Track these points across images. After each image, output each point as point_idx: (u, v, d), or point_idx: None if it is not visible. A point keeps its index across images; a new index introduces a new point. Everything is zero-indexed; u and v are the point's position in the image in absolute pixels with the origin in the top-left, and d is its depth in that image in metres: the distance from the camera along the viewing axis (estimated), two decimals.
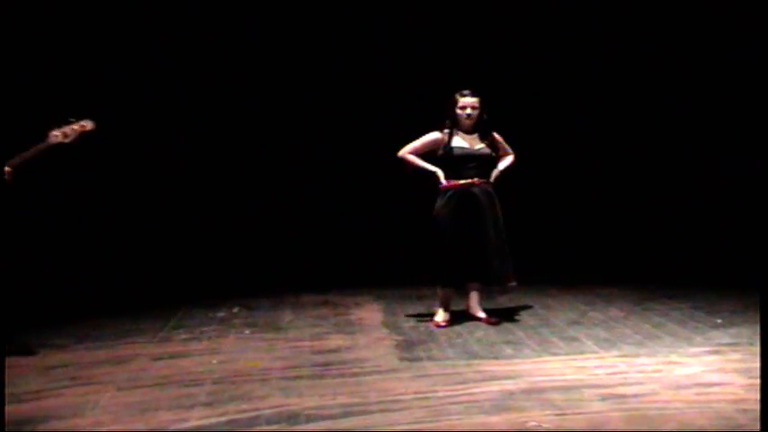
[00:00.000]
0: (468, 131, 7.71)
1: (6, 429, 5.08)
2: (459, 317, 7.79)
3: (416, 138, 7.82)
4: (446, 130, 7.70)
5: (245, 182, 11.43)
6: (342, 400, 5.52)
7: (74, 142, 6.86)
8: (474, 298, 7.89)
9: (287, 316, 8.44)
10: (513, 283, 7.79)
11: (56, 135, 6.79)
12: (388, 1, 11.19)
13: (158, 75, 10.89)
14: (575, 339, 7.04)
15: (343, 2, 11.15)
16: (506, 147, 7.86)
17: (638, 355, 6.45)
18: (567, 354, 6.58)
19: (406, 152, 7.80)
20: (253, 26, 11.14)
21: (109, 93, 10.23)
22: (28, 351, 6.90)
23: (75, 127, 6.85)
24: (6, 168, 6.65)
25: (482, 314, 7.80)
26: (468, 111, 7.65)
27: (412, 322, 7.91)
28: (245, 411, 5.33)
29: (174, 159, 11.02)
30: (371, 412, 5.25)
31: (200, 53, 11.10)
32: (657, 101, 11.32)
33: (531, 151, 10.61)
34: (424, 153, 7.79)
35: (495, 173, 7.73)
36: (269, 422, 5.10)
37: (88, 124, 6.91)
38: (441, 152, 7.69)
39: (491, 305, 8.25)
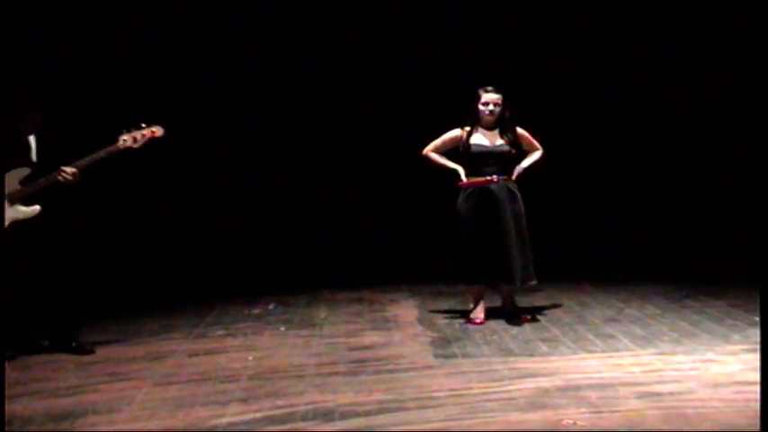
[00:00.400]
0: (489, 128, 7.68)
1: (44, 424, 5.13)
2: (495, 314, 7.75)
3: (439, 135, 7.84)
4: (467, 128, 7.69)
5: (281, 180, 11.46)
6: (377, 396, 5.51)
7: (141, 147, 6.87)
8: (509, 295, 7.84)
9: (322, 312, 8.46)
10: (534, 282, 7.75)
11: (125, 140, 6.79)
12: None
13: (188, 76, 10.94)
14: (611, 337, 7.00)
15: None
16: (533, 142, 7.83)
17: (674, 353, 6.40)
18: (602, 351, 6.54)
19: (429, 150, 7.83)
20: (266, 25, 11.18)
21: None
22: (85, 350, 6.92)
23: (146, 132, 6.85)
24: (72, 169, 6.69)
25: (516, 313, 7.75)
26: (491, 107, 7.62)
27: (447, 319, 7.90)
28: (280, 407, 5.33)
29: (209, 159, 11.06)
30: (406, 409, 5.23)
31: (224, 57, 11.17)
32: (690, 94, 11.21)
33: (567, 148, 10.65)
34: (447, 150, 7.80)
35: (517, 170, 7.69)
36: (304, 418, 5.10)
37: (158, 130, 6.92)
38: (460, 149, 7.70)
39: (527, 303, 8.25)
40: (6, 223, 6.65)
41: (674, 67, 11.28)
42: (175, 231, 11.03)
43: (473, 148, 7.63)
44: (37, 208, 6.70)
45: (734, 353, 6.32)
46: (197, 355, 6.87)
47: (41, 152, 6.84)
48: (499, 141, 7.64)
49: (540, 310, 8.11)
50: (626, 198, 11.41)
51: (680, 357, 6.28)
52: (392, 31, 11.29)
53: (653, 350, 6.52)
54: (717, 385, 5.50)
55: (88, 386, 6.01)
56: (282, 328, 7.78)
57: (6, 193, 6.65)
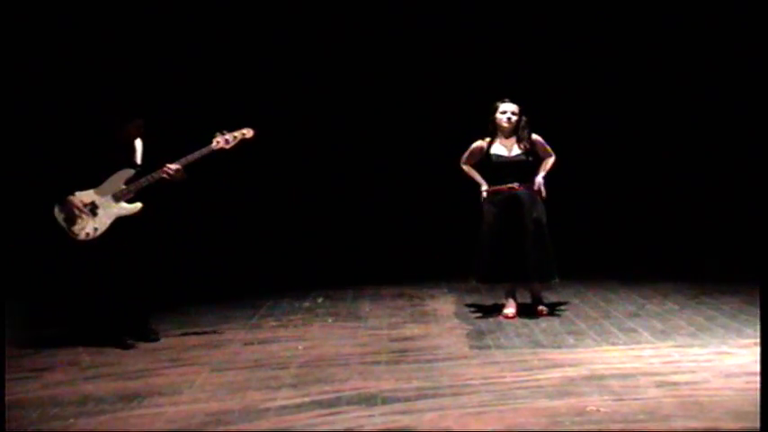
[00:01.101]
0: (507, 136, 7.67)
1: (114, 403, 5.22)
2: (526, 309, 7.75)
3: (471, 138, 7.85)
4: (487, 138, 7.70)
5: (330, 182, 11.51)
6: (416, 383, 5.55)
7: (233, 149, 6.87)
8: (535, 293, 7.83)
9: (367, 306, 8.49)
10: (555, 280, 7.74)
11: (218, 141, 6.80)
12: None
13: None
14: (632, 330, 6.99)
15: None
16: (547, 149, 7.77)
17: (691, 346, 6.39)
18: (625, 344, 6.54)
19: (464, 162, 7.83)
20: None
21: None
22: (154, 337, 7.01)
23: (237, 134, 6.84)
24: (177, 165, 6.73)
25: (540, 306, 7.74)
26: (509, 114, 7.61)
27: (481, 313, 7.91)
28: (327, 393, 5.38)
29: (263, 161, 11.10)
30: (443, 395, 5.27)
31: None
32: (713, 93, 11.10)
33: (593, 149, 10.62)
34: (475, 160, 7.80)
35: (537, 183, 7.63)
36: (349, 403, 5.15)
37: (249, 132, 6.91)
38: (482, 159, 7.74)
39: (556, 298, 8.26)
40: (112, 219, 6.70)
41: (697, 66, 11.16)
42: (233, 230, 11.10)
43: (493, 159, 7.65)
44: (139, 205, 6.75)
45: (746, 346, 6.29)
46: (251, 343, 6.93)
47: (145, 155, 6.89)
48: (516, 151, 7.64)
49: (567, 304, 8.10)
50: (650, 200, 11.35)
51: (696, 350, 6.28)
52: (422, 33, 11.31)
53: (671, 343, 6.52)
54: (730, 375, 5.50)
55: (153, 370, 6.10)
56: (330, 320, 7.83)
57: (113, 192, 6.71)
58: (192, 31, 10.78)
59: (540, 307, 7.71)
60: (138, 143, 6.90)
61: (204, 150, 6.78)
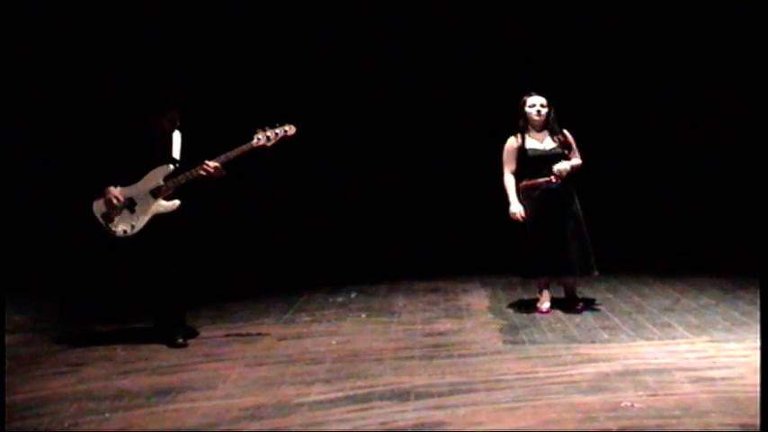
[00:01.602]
0: (539, 130, 7.60)
1: (149, 398, 5.25)
2: (559, 304, 7.73)
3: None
4: (519, 134, 7.60)
5: (366, 177, 11.52)
6: (449, 378, 5.54)
7: (274, 146, 6.73)
8: (570, 287, 7.78)
9: (400, 301, 8.49)
10: (596, 273, 7.68)
11: (259, 138, 6.66)
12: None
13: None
14: (667, 325, 6.94)
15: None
16: (576, 150, 7.66)
17: (727, 341, 6.34)
18: (659, 339, 6.49)
19: (506, 176, 7.62)
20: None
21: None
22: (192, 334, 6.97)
23: (278, 131, 6.69)
24: (215, 163, 6.60)
25: (574, 301, 7.69)
26: (538, 108, 7.54)
27: (515, 308, 7.89)
28: (360, 388, 5.39)
29: (299, 156, 11.12)
30: (477, 390, 5.26)
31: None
32: (742, 86, 11.01)
33: (629, 146, 10.57)
34: (517, 160, 7.60)
35: (559, 168, 7.44)
36: (382, 398, 5.15)
37: (291, 129, 6.76)
38: (518, 156, 7.60)
39: (591, 293, 8.23)
40: (149, 216, 6.64)
41: (720, 59, 11.08)
42: (267, 225, 11.14)
43: (529, 153, 7.53)
44: (177, 202, 6.67)
45: None
46: (285, 338, 6.95)
47: (184, 150, 6.79)
48: (550, 144, 7.56)
49: (601, 299, 8.07)
50: (686, 192, 11.28)
51: (732, 345, 6.22)
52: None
53: (707, 338, 6.46)
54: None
55: (187, 365, 6.13)
56: (363, 315, 7.84)
57: (151, 188, 6.65)
58: (226, 27, 10.84)
59: (578, 304, 7.66)
60: (177, 137, 6.81)
61: (244, 147, 6.65)
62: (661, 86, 11.29)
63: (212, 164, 6.60)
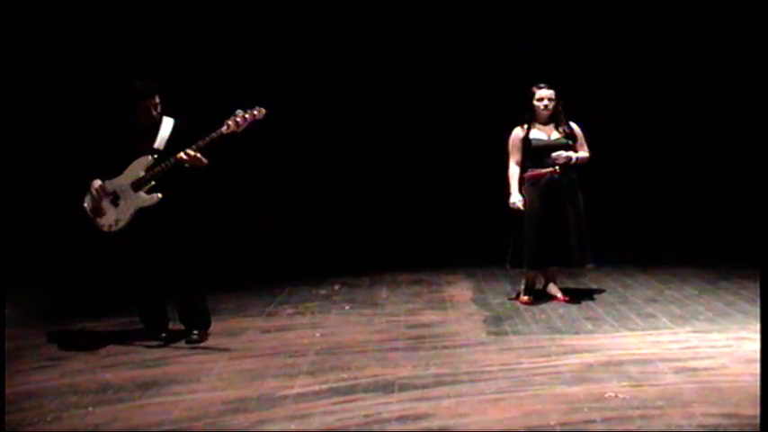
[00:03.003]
0: (544, 123, 7.58)
1: (133, 391, 5.25)
2: (543, 294, 7.75)
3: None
4: (525, 125, 7.59)
5: (348, 169, 11.51)
6: (434, 370, 5.56)
7: (244, 131, 6.49)
8: (552, 278, 7.84)
9: (384, 293, 8.50)
10: (591, 265, 7.70)
11: (229, 124, 6.44)
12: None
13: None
14: (651, 316, 6.98)
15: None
16: (584, 143, 7.66)
17: (710, 331, 6.39)
18: (643, 329, 6.54)
19: (511, 167, 7.60)
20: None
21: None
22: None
23: (247, 116, 6.46)
24: (191, 151, 6.40)
25: (559, 294, 7.73)
26: (545, 101, 7.52)
27: (499, 299, 7.90)
28: (344, 380, 5.41)
29: (280, 148, 11.11)
30: (461, 382, 5.28)
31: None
32: (729, 77, 11.04)
33: (613, 137, 10.56)
34: (522, 151, 7.58)
35: (559, 154, 7.40)
36: (366, 390, 5.17)
37: (259, 112, 6.52)
38: (523, 147, 7.59)
39: (573, 284, 8.25)
40: (132, 210, 6.51)
41: (714, 54, 11.11)
42: (250, 218, 11.11)
43: (533, 143, 7.51)
44: (158, 196, 6.49)
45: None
46: (269, 331, 6.95)
47: (172, 141, 6.56)
48: (555, 135, 7.55)
49: (586, 291, 8.10)
50: (669, 185, 11.32)
51: (715, 335, 6.27)
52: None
53: (690, 328, 6.51)
54: (749, 361, 5.48)
55: (171, 358, 6.13)
56: (347, 307, 7.83)
57: (131, 180, 6.50)
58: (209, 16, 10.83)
59: (560, 295, 7.70)
60: (167, 127, 6.63)
61: (213, 135, 6.45)
62: (647, 81, 11.30)
63: (188, 152, 6.40)
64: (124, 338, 6.76)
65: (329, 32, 11.24)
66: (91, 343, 6.68)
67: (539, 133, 7.58)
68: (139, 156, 6.54)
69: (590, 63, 11.14)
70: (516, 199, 7.49)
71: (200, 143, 6.44)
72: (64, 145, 9.70)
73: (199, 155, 6.44)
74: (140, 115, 6.56)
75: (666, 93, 11.35)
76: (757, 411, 4.47)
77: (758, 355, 5.51)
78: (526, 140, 7.56)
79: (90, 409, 5.02)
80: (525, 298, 7.66)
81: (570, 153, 7.48)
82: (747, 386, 4.96)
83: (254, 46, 11.01)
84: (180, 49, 10.51)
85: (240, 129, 6.46)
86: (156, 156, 6.54)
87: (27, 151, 10.09)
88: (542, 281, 7.89)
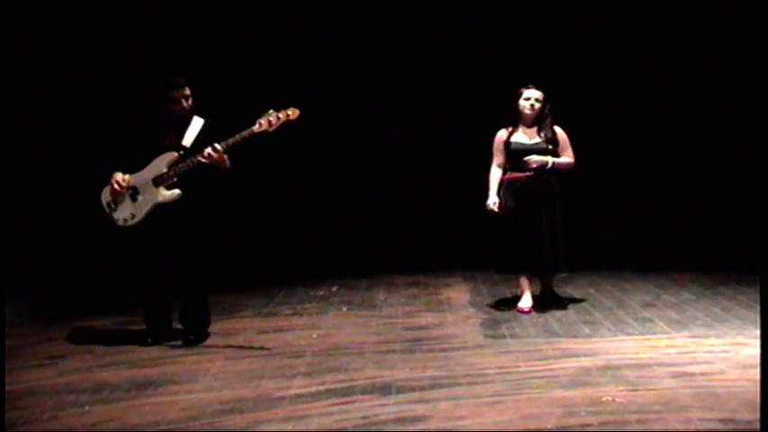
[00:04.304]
0: (529, 125, 7.45)
1: (129, 390, 5.25)
2: (539, 300, 7.73)
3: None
4: (510, 128, 7.48)
5: (346, 170, 11.50)
6: (430, 372, 5.56)
7: (276, 131, 6.42)
8: (544, 286, 7.72)
9: (381, 295, 8.50)
10: (564, 274, 7.66)
11: (261, 123, 6.36)
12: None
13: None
14: (648, 320, 6.98)
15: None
16: (568, 149, 7.49)
17: (707, 336, 6.38)
18: (640, 334, 6.53)
19: (495, 164, 7.53)
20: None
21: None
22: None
23: (281, 115, 6.39)
24: (211, 150, 6.31)
25: (553, 300, 7.63)
26: (532, 101, 7.38)
27: (497, 302, 7.89)
28: (341, 381, 5.40)
29: (281, 149, 11.08)
30: (458, 385, 5.28)
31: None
32: (728, 85, 11.02)
33: (604, 137, 10.56)
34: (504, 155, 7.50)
35: (534, 158, 7.26)
36: (363, 392, 5.17)
37: (293, 113, 6.45)
38: (504, 147, 7.48)
39: (571, 288, 8.24)
40: (150, 206, 6.45)
41: (710, 56, 11.10)
42: (245, 218, 11.10)
43: (513, 146, 7.39)
44: (177, 192, 6.43)
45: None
46: (266, 332, 6.95)
47: (200, 138, 6.51)
48: (536, 139, 7.40)
49: (582, 294, 8.09)
50: (667, 189, 11.30)
51: (712, 340, 6.27)
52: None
53: (687, 333, 6.51)
54: (746, 367, 5.48)
55: (168, 358, 6.13)
56: (344, 309, 7.84)
57: (153, 175, 6.44)
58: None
59: (558, 302, 7.63)
60: (197, 124, 6.57)
61: (245, 133, 6.37)
62: (644, 85, 11.29)
63: (211, 150, 6.32)
64: (121, 338, 6.77)
65: (327, 32, 11.22)
66: (88, 342, 6.69)
67: (521, 136, 7.45)
68: (165, 151, 6.50)
69: (586, 67, 11.13)
70: (491, 201, 7.43)
71: (230, 141, 6.35)
72: (74, 141, 9.72)
73: (217, 152, 6.34)
74: (171, 109, 6.49)
75: (664, 96, 11.31)
76: (754, 416, 4.48)
77: (756, 361, 5.56)
78: (507, 143, 7.45)
79: (86, 408, 5.02)
80: (523, 307, 7.42)
81: (546, 158, 7.33)
82: (744, 391, 4.95)
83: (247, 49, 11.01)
84: (203, 52, 10.50)
85: (272, 129, 6.39)
86: (182, 152, 6.48)
87: (28, 147, 10.06)
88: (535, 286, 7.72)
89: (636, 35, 11.19)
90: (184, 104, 6.51)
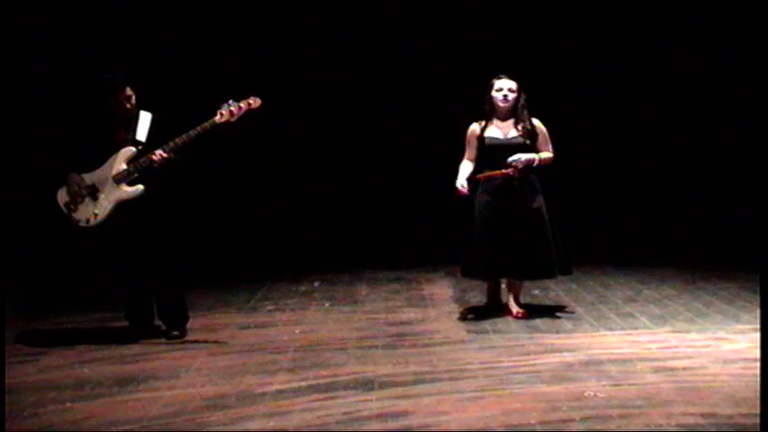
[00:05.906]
0: (503, 118, 6.97)
1: (111, 387, 5.23)
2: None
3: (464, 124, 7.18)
4: (482, 122, 6.99)
5: (327, 165, 11.49)
6: (413, 368, 5.56)
7: (238, 121, 6.32)
8: (510, 290, 7.23)
9: (363, 290, 8.50)
10: (553, 277, 7.23)
11: (222, 114, 6.28)
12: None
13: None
14: (630, 315, 7.00)
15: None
16: (547, 142, 7.02)
17: (688, 331, 6.41)
18: (622, 329, 6.55)
19: (466, 158, 7.03)
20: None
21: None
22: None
23: (242, 105, 6.30)
24: (160, 151, 6.28)
25: (514, 307, 7.08)
26: (505, 92, 6.89)
27: (479, 297, 7.88)
28: (323, 377, 5.40)
29: (261, 143, 11.06)
30: (440, 380, 5.28)
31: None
32: (711, 82, 11.06)
33: (584, 133, 10.58)
34: (478, 148, 7.01)
35: (515, 159, 6.79)
36: (346, 387, 5.16)
37: (255, 102, 6.36)
38: (479, 145, 7.02)
39: (553, 284, 8.24)
40: (113, 203, 6.37)
41: (694, 55, 11.13)
42: (228, 213, 11.08)
43: (487, 141, 6.91)
44: (140, 188, 6.36)
45: (743, 332, 6.31)
46: (248, 327, 6.94)
47: (153, 131, 6.45)
48: (513, 133, 6.92)
49: (564, 290, 8.10)
50: (648, 186, 11.34)
51: (693, 335, 6.30)
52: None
53: (668, 328, 6.53)
54: (727, 361, 5.52)
55: (150, 354, 6.12)
56: (327, 305, 7.83)
57: (113, 173, 6.38)
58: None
59: (516, 309, 7.06)
60: (145, 119, 6.50)
61: (205, 125, 6.29)
62: (624, 79, 11.32)
63: (158, 153, 6.27)
64: (102, 334, 6.75)
65: (323, 30, 11.21)
66: (69, 338, 6.66)
67: (495, 131, 6.97)
68: (119, 148, 6.44)
69: (577, 62, 11.15)
70: (459, 183, 6.86)
71: (185, 136, 6.30)
72: (35, 140, 9.64)
73: (167, 155, 6.29)
74: (114, 109, 6.45)
75: (645, 93, 11.36)
76: (735, 411, 4.53)
77: (737, 356, 5.65)
78: (481, 138, 6.98)
79: (68, 404, 5.00)
80: (513, 310, 7.06)
81: (531, 156, 6.87)
82: (726, 386, 4.99)
83: (232, 43, 10.98)
84: (162, 45, 10.45)
85: (234, 118, 6.31)
86: (140, 147, 6.42)
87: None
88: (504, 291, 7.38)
89: (614, 23, 11.20)
90: (127, 105, 6.46)
